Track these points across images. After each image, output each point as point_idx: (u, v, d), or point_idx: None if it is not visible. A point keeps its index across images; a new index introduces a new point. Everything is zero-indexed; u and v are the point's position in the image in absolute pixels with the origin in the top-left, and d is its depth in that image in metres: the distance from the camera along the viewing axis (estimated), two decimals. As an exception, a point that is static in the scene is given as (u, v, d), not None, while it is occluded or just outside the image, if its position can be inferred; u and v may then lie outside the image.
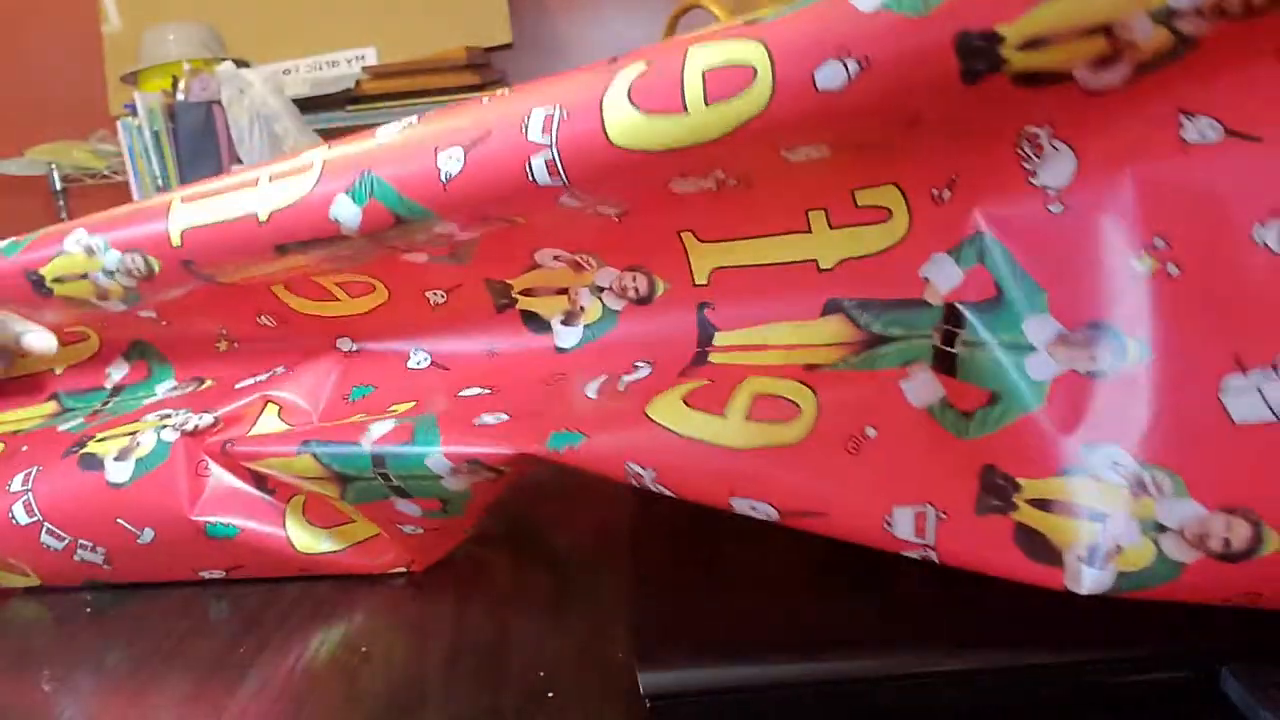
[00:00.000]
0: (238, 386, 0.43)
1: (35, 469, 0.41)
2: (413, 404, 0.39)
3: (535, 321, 0.40)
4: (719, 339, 0.36)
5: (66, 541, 0.40)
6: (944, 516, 0.28)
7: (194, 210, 0.39)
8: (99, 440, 0.41)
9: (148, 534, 0.39)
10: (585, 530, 0.45)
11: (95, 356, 0.48)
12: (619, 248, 0.38)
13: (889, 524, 0.29)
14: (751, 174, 0.33)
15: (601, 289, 0.39)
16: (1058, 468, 0.27)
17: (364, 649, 0.35)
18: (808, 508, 0.30)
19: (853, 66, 0.27)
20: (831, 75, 0.27)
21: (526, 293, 0.40)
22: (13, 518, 0.40)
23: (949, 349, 0.30)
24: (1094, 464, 0.27)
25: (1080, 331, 0.28)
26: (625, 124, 0.30)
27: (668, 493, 0.32)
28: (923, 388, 0.31)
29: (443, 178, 0.33)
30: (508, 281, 0.40)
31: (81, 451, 0.41)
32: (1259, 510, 0.25)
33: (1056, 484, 0.27)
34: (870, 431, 0.31)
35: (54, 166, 1.85)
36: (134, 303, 0.42)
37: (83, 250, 0.41)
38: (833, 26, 0.27)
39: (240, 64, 1.67)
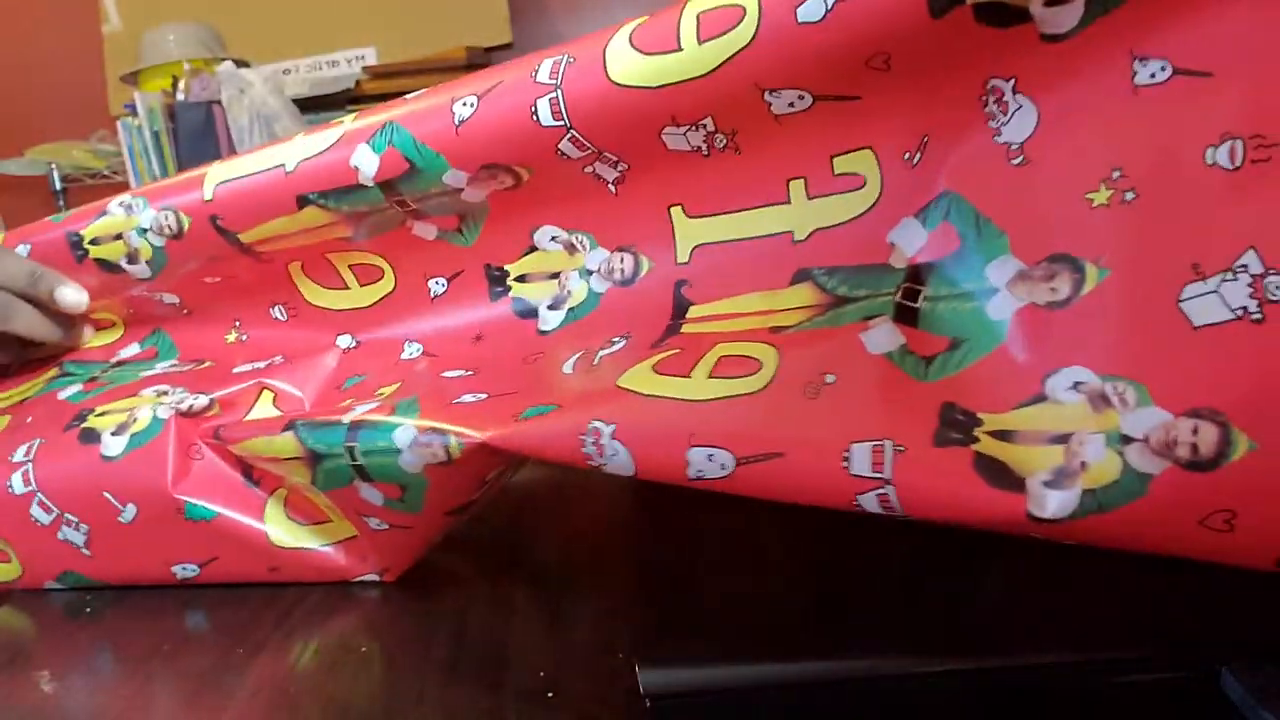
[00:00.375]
0: (235, 370, 0.44)
1: (38, 441, 0.41)
2: (398, 384, 0.39)
3: (523, 306, 0.41)
4: (692, 312, 0.37)
5: (54, 515, 0.40)
6: (902, 449, 0.28)
7: (229, 167, 0.41)
8: (99, 415, 0.42)
9: (129, 510, 0.39)
10: (585, 531, 0.45)
11: (115, 342, 0.49)
12: (612, 224, 0.39)
13: (846, 461, 0.28)
14: (739, 129, 0.34)
15: (590, 271, 0.40)
16: (1019, 401, 0.27)
17: (363, 649, 0.35)
18: (765, 450, 0.29)
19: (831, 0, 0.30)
20: (812, 8, 0.30)
21: (521, 279, 0.41)
22: (10, 487, 0.40)
23: (911, 304, 0.31)
24: (1055, 389, 0.27)
25: (1040, 266, 0.28)
26: (625, 63, 0.33)
27: (623, 455, 0.31)
28: (883, 337, 0.31)
29: (455, 121, 0.36)
30: (505, 267, 0.41)
31: (82, 426, 0.41)
32: (1226, 411, 0.24)
33: (1018, 415, 0.27)
34: (829, 378, 0.30)
35: (54, 166, 1.86)
36: (160, 268, 0.44)
37: (123, 210, 0.44)
38: None
39: (240, 64, 1.68)
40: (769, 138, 0.34)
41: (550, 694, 0.30)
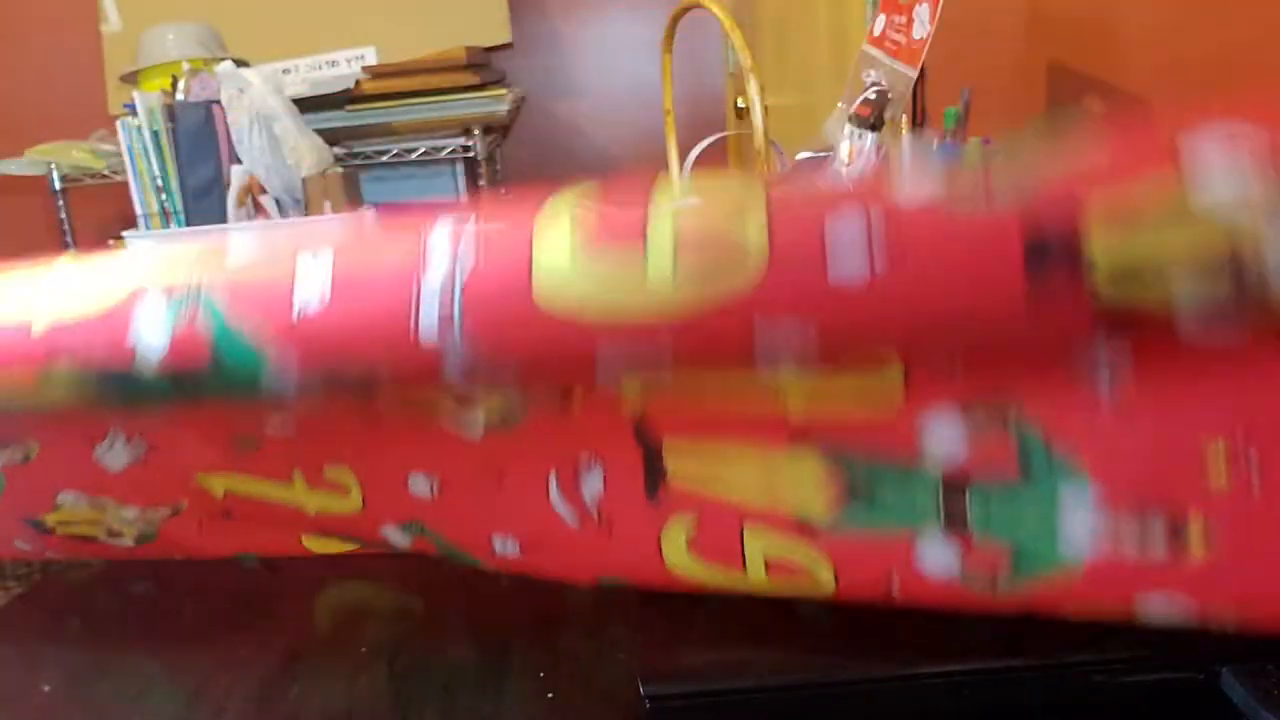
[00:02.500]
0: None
1: None
2: None
3: None
4: (668, 445, 0.31)
5: None
6: None
7: None
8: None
9: None
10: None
11: None
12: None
13: None
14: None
15: None
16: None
17: (363, 650, 0.34)
18: None
19: None
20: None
21: None
22: None
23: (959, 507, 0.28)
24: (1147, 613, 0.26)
25: (1131, 515, 0.26)
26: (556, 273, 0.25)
27: None
28: (937, 556, 0.29)
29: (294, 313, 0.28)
30: None
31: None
32: None
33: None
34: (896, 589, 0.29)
35: (54, 166, 1.85)
36: None
37: None
38: None
39: (240, 64, 1.67)
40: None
41: (550, 694, 0.30)
